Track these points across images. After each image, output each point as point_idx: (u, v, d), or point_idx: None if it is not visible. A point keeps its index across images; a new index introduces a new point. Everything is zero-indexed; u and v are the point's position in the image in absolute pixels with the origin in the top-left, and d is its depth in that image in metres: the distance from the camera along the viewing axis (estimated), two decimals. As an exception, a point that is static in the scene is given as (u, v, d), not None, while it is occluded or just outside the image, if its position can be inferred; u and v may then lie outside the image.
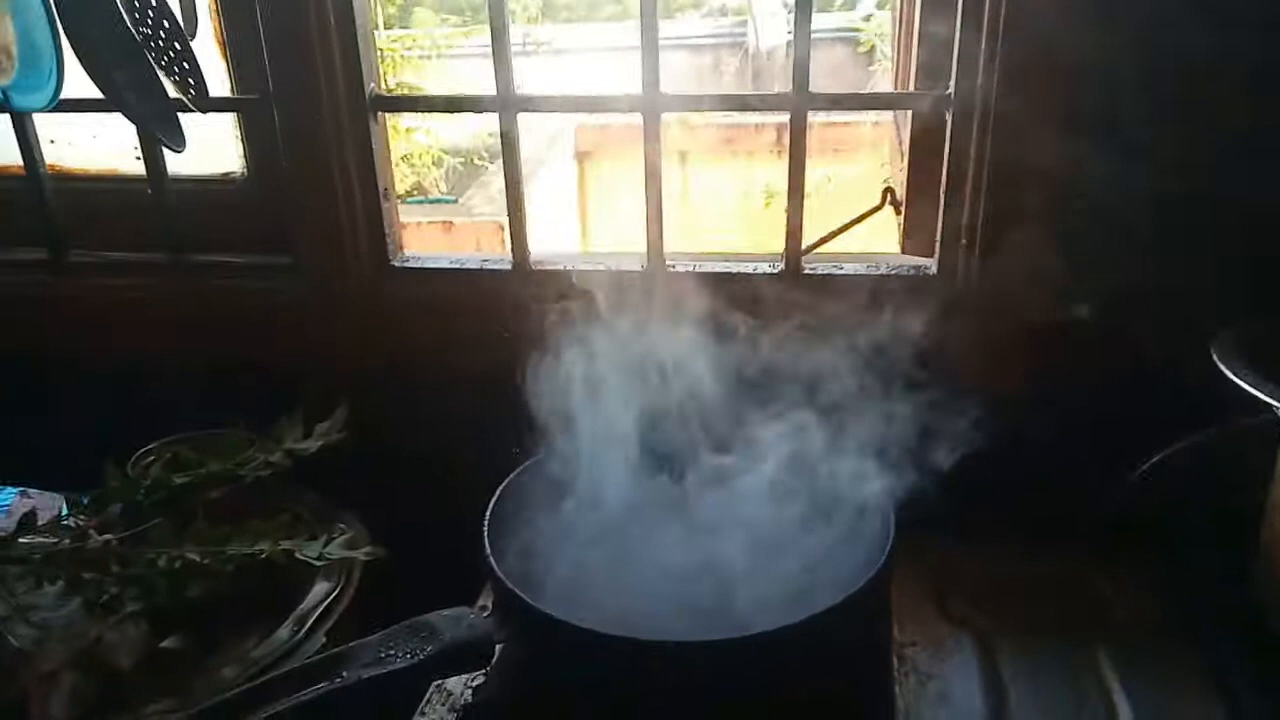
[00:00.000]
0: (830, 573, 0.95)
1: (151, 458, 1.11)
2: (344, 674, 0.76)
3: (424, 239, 3.21)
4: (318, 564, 0.97)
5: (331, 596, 1.05)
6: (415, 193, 4.17)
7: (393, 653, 0.78)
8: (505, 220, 1.26)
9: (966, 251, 1.12)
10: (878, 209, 1.31)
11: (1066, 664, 0.97)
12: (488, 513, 0.94)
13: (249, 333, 1.29)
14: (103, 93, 1.01)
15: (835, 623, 0.81)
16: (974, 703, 0.92)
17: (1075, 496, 1.13)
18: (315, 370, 1.29)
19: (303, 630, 1.02)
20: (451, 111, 1.23)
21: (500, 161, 1.24)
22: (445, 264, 1.27)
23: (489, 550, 0.89)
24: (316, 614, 1.03)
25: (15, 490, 1.19)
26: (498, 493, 0.97)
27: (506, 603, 0.84)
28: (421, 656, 0.78)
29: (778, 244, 1.21)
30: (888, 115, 1.54)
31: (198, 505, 1.07)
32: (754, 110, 1.19)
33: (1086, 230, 1.07)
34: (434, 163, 4.68)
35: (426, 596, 1.02)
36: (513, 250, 1.23)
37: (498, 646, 0.83)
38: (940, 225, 1.14)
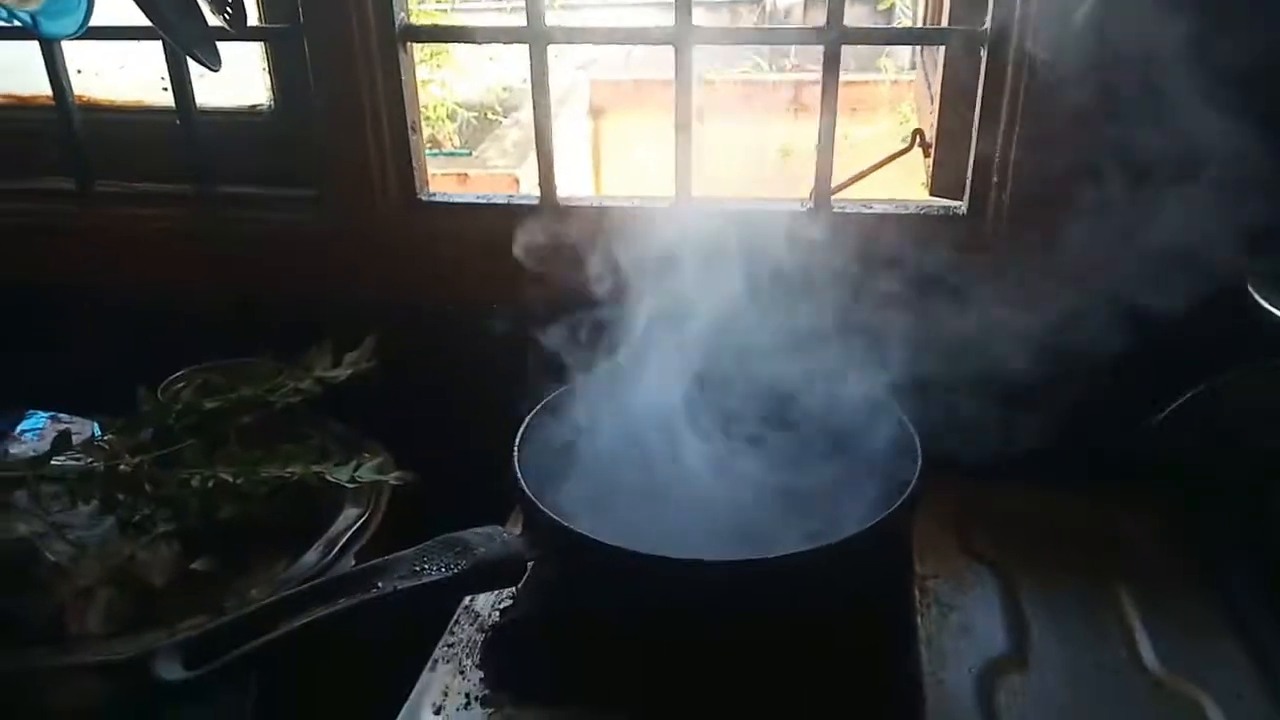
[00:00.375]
0: (857, 506, 0.96)
1: (182, 384, 1.12)
2: (379, 585, 0.77)
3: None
4: (349, 486, 0.99)
5: (361, 520, 1.06)
6: (430, 146, 4.14)
7: (427, 566, 0.80)
8: (518, 174, 1.27)
9: (997, 190, 1.11)
10: (906, 150, 1.31)
11: (1088, 601, 0.98)
12: (518, 437, 0.95)
13: (275, 265, 1.29)
14: (146, 13, 1.01)
15: (858, 549, 0.82)
16: (995, 635, 0.93)
17: (1100, 437, 1.13)
18: (340, 304, 1.30)
19: (332, 553, 1.03)
20: (483, 42, 1.22)
21: (514, 115, 1.23)
22: (472, 199, 1.27)
23: (519, 473, 0.90)
24: (346, 537, 1.04)
25: (47, 415, 1.21)
26: (527, 419, 0.98)
27: (536, 522, 0.86)
28: (456, 571, 0.79)
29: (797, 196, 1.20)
30: (908, 75, 1.53)
31: (229, 430, 1.09)
32: (787, 44, 1.18)
33: (1119, 167, 1.07)
34: (448, 116, 4.66)
35: (453, 524, 1.03)
36: (541, 185, 1.22)
37: (528, 564, 0.84)
38: (971, 165, 1.14)
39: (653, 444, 1.08)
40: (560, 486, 1.01)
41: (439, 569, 0.79)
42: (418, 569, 0.79)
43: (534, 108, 1.21)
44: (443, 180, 3.34)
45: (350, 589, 0.78)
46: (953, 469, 1.12)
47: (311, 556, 1.04)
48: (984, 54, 1.08)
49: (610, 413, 1.08)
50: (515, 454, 0.92)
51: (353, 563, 1.03)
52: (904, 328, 1.13)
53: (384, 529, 1.08)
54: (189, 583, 1.03)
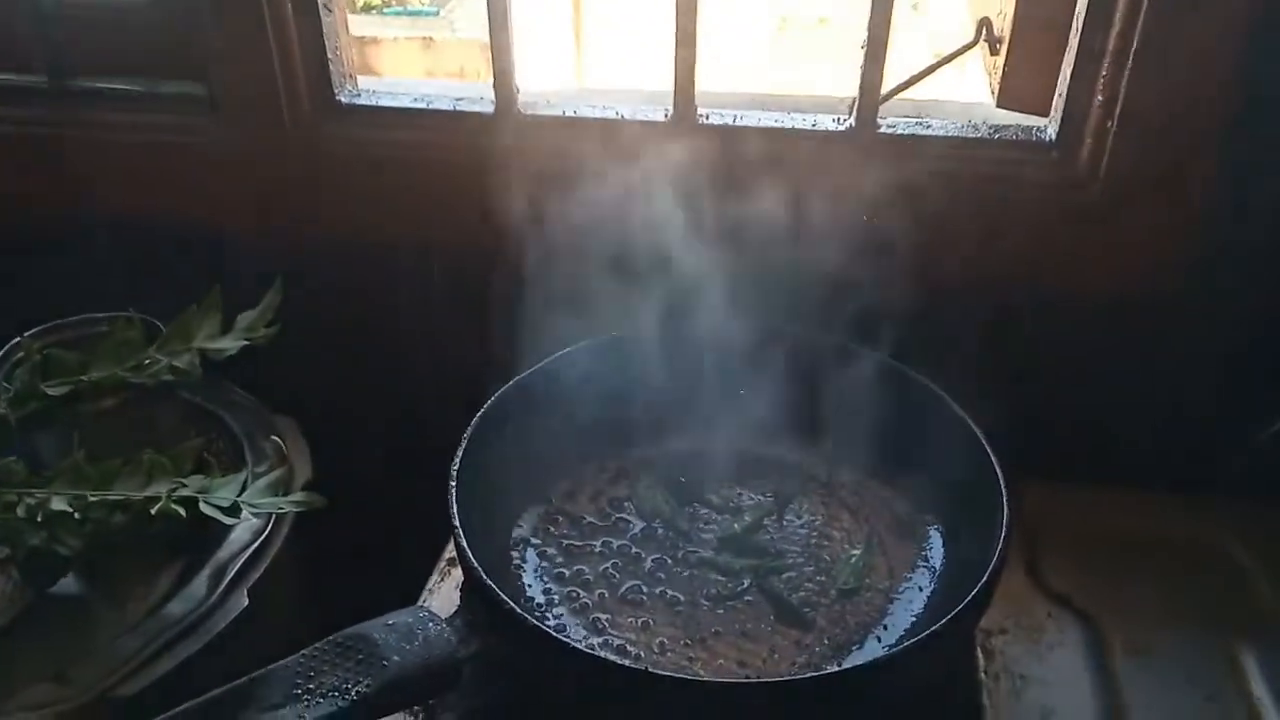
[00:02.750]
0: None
1: (20, 355, 0.85)
2: None
3: (400, 57, 2.85)
4: (227, 520, 0.74)
5: (255, 544, 0.81)
6: (393, 2, 3.72)
7: (314, 687, 0.55)
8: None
9: (1103, 110, 0.83)
10: (969, 46, 1.01)
11: (1199, 660, 0.75)
12: (455, 464, 0.70)
13: (155, 185, 1.01)
14: None
15: (900, 666, 0.60)
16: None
17: (1210, 441, 0.89)
18: (239, 239, 1.02)
19: (221, 585, 0.80)
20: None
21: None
22: (408, 102, 0.97)
23: (457, 521, 0.65)
24: (239, 565, 0.80)
25: None
26: (468, 433, 0.73)
27: (482, 605, 0.61)
28: (354, 695, 0.55)
29: (790, 77, 0.92)
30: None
31: (87, 419, 0.83)
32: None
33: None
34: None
35: (385, 538, 0.79)
36: (496, 90, 0.93)
37: (464, 667, 0.60)
38: (1069, 70, 0.85)
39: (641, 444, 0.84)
40: (526, 538, 0.77)
41: (332, 693, 0.55)
42: (300, 690, 0.55)
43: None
44: (405, 45, 2.98)
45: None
46: (1025, 471, 0.89)
47: (198, 588, 0.80)
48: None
49: (583, 401, 0.83)
50: (452, 492, 0.67)
51: (245, 602, 0.79)
52: (960, 296, 0.88)
53: (288, 552, 0.84)
54: (40, 620, 0.80)
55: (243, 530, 0.82)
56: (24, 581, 0.79)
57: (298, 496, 0.78)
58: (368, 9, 3.36)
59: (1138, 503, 0.88)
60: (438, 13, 3.33)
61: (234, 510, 0.74)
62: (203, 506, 0.73)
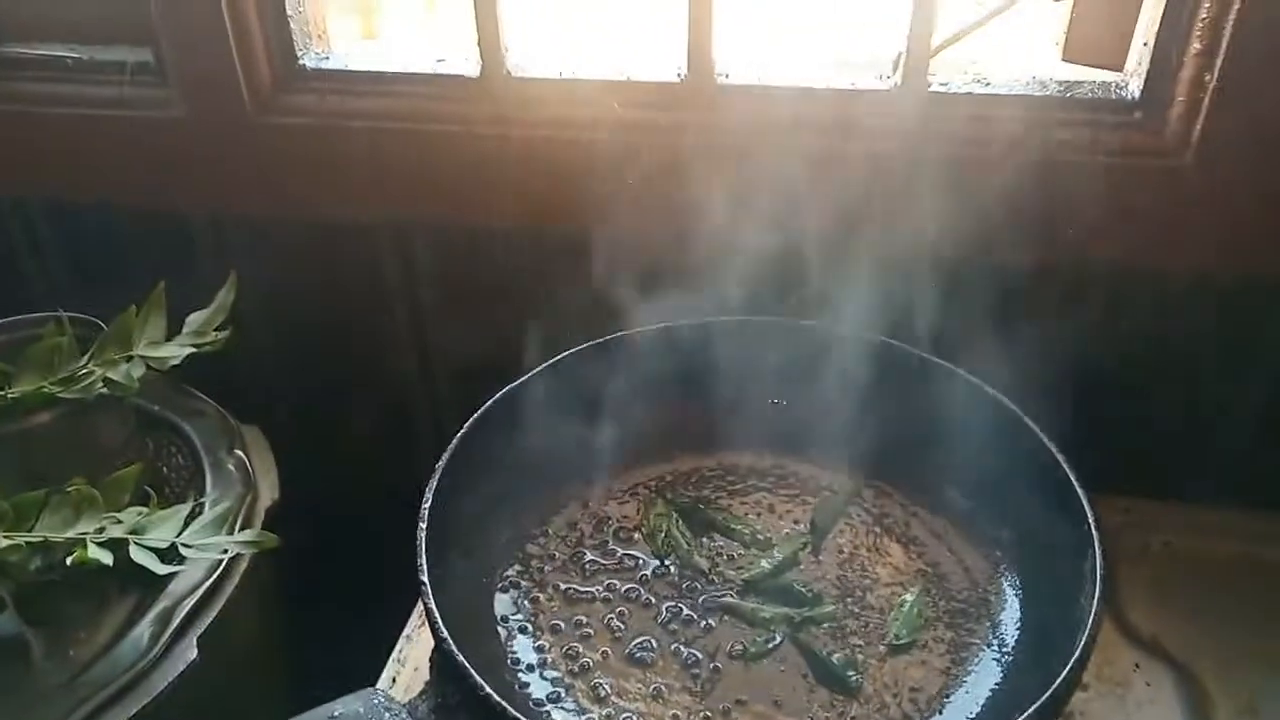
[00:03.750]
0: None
1: (-66, 366, 0.74)
2: None
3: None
4: (161, 572, 0.62)
5: (207, 584, 0.70)
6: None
7: None
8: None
9: (1200, 62, 0.69)
10: (1030, -10, 0.88)
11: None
12: (427, 498, 0.58)
13: (98, 165, 0.89)
14: None
15: None
16: (1188, 799, 0.60)
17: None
18: (194, 223, 0.91)
19: (166, 633, 0.68)
20: None
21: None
22: (382, 65, 0.85)
23: (425, 576, 0.53)
24: (186, 610, 0.69)
25: None
26: (443, 460, 0.61)
27: (454, 687, 0.50)
28: None
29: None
30: None
31: (17, 437, 0.72)
32: None
33: None
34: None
35: (358, 559, 0.68)
36: (481, 49, 0.80)
37: None
38: (1159, 13, 0.72)
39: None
40: (515, 582, 0.65)
41: None
42: None
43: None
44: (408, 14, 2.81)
45: None
46: (1105, 488, 0.77)
47: (140, 634, 0.69)
48: None
49: (593, 422, 0.71)
50: (421, 536, 0.55)
51: (193, 653, 0.68)
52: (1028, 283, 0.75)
53: (245, 592, 0.72)
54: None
55: (194, 568, 0.71)
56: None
57: (247, 536, 0.67)
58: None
59: (1234, 524, 0.76)
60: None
61: (170, 554, 0.63)
62: (134, 552, 0.62)
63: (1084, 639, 0.50)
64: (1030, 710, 0.47)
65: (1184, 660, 0.67)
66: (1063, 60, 0.85)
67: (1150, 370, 0.81)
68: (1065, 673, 0.48)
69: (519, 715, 0.48)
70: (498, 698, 0.48)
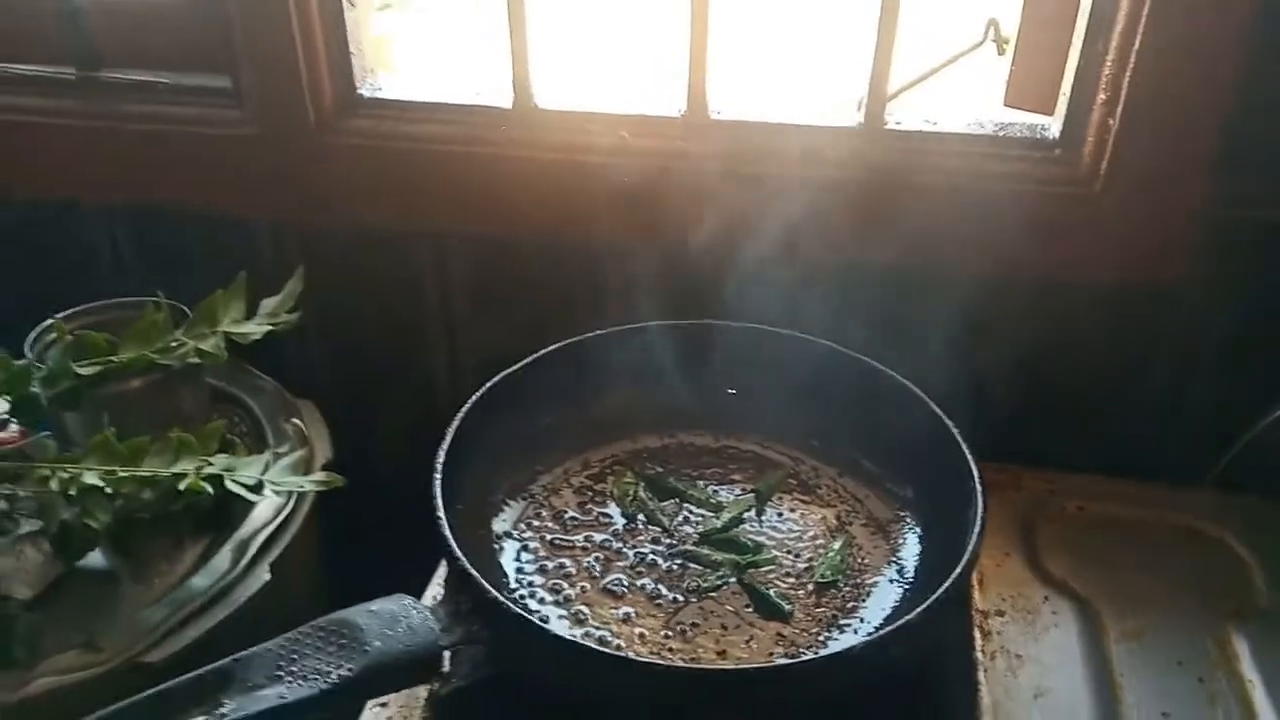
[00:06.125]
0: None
1: (53, 335, 0.88)
2: (223, 707, 0.55)
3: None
4: (252, 498, 0.76)
5: (277, 521, 0.84)
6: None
7: (296, 669, 0.57)
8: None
9: (1105, 109, 0.85)
10: (977, 46, 1.03)
11: (1192, 644, 0.77)
12: (441, 454, 0.72)
13: (181, 176, 1.03)
14: None
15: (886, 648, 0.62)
16: (1078, 701, 0.73)
17: (1208, 431, 0.91)
18: (263, 227, 1.05)
19: (244, 560, 0.82)
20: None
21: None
22: (428, 95, 1.00)
23: (441, 512, 0.67)
24: (261, 541, 0.83)
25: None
26: (454, 426, 0.75)
27: (466, 594, 0.63)
28: (336, 679, 0.57)
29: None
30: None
31: (115, 398, 0.86)
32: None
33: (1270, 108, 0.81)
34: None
35: (397, 509, 0.81)
36: (514, 85, 0.96)
37: (446, 654, 0.62)
38: (1072, 70, 0.87)
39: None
40: (508, 531, 0.79)
41: (313, 675, 0.57)
42: (282, 672, 0.57)
43: (505, -20, 0.93)
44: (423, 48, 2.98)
45: (175, 712, 0.55)
46: (1026, 458, 0.91)
47: (221, 561, 0.83)
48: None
49: (576, 404, 0.85)
50: (436, 483, 0.69)
51: (268, 576, 0.82)
52: (964, 292, 0.90)
53: (309, 527, 0.87)
54: (70, 591, 0.82)
55: (265, 508, 0.85)
56: (55, 554, 0.82)
57: (318, 476, 0.81)
58: (387, 7, 3.38)
59: (1136, 492, 0.90)
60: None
61: (258, 488, 0.77)
62: (229, 484, 0.76)
63: (964, 562, 0.64)
64: (915, 612, 0.61)
65: (1086, 596, 0.81)
66: (1004, 105, 1.01)
67: (1068, 366, 0.96)
68: (946, 584, 0.62)
69: (515, 608, 0.61)
70: (500, 596, 0.61)
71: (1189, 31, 0.79)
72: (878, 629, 0.70)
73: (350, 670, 0.57)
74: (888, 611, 0.72)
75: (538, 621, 0.65)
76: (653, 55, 1.03)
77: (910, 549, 0.77)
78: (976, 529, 0.67)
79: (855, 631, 0.71)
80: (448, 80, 1.01)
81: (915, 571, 0.75)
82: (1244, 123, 0.81)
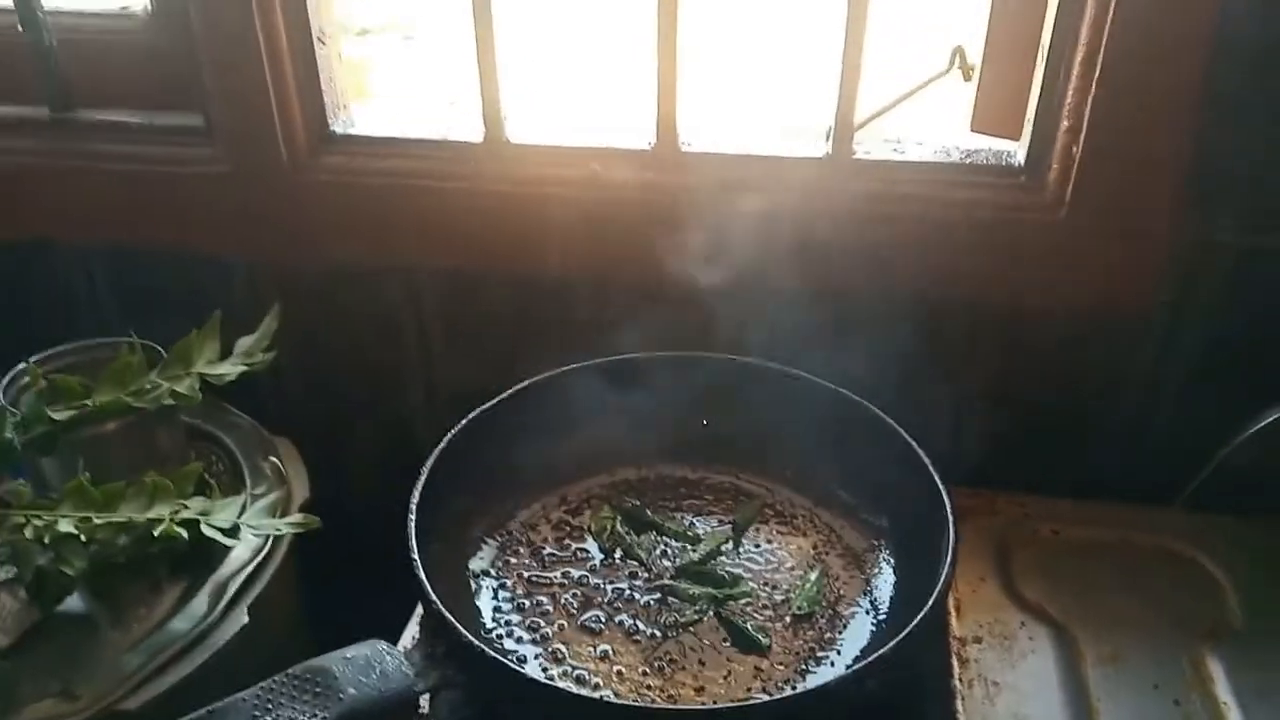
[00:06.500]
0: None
1: (26, 379, 0.88)
2: None
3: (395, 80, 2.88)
4: (227, 542, 0.76)
5: (256, 562, 0.84)
6: (390, 29, 3.74)
7: (272, 719, 0.57)
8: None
9: (1069, 137, 0.86)
10: (942, 74, 1.05)
11: (1167, 667, 0.78)
12: (415, 495, 0.72)
13: (155, 214, 1.03)
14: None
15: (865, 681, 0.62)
16: (1056, 723, 0.74)
17: (1177, 454, 0.92)
18: (237, 264, 1.05)
19: (222, 601, 0.82)
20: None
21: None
22: (400, 131, 1.01)
23: (416, 555, 0.67)
24: (238, 584, 0.83)
25: None
26: (428, 466, 0.75)
27: (440, 638, 0.64)
28: None
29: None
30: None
31: (90, 441, 0.86)
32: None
33: (1233, 129, 0.83)
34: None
35: (374, 546, 0.81)
36: (484, 120, 0.96)
37: (424, 698, 0.62)
38: (1036, 98, 0.88)
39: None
40: (485, 570, 0.79)
41: None
42: None
43: (474, 17, 0.93)
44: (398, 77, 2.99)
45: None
46: (1001, 483, 0.92)
47: (199, 605, 0.83)
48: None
49: (551, 439, 0.85)
50: (411, 525, 0.69)
51: (246, 618, 0.82)
52: (935, 319, 0.91)
53: (287, 568, 0.86)
54: (47, 637, 0.82)
55: (243, 548, 0.84)
56: (31, 600, 0.81)
57: (295, 518, 0.81)
58: (364, 34, 3.38)
59: (1109, 514, 0.91)
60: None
61: (234, 532, 0.77)
62: (204, 529, 0.76)
63: (936, 593, 0.65)
64: (889, 645, 0.61)
65: (1062, 621, 0.82)
66: (971, 131, 1.03)
67: (1040, 391, 0.97)
68: (919, 616, 0.63)
69: (491, 652, 0.61)
70: (474, 639, 0.61)
71: (1150, 60, 0.80)
72: (855, 661, 0.71)
73: (326, 718, 0.57)
74: (864, 642, 0.73)
75: (513, 664, 0.66)
76: (623, 87, 1.04)
77: (885, 579, 0.78)
78: (949, 559, 0.67)
79: (832, 664, 0.71)
80: (424, 108, 1.02)
81: (891, 601, 0.76)
82: (1207, 152, 0.83)
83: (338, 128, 1.01)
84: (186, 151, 1.02)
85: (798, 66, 1.11)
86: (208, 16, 0.94)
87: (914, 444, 0.77)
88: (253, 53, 0.95)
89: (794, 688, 0.69)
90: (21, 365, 0.89)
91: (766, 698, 0.67)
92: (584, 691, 0.67)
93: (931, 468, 0.74)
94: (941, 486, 0.72)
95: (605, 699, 0.66)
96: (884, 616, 0.75)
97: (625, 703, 0.65)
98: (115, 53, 1.04)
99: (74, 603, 0.84)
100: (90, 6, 1.05)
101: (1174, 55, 0.80)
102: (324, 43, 0.98)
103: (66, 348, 0.94)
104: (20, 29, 1.00)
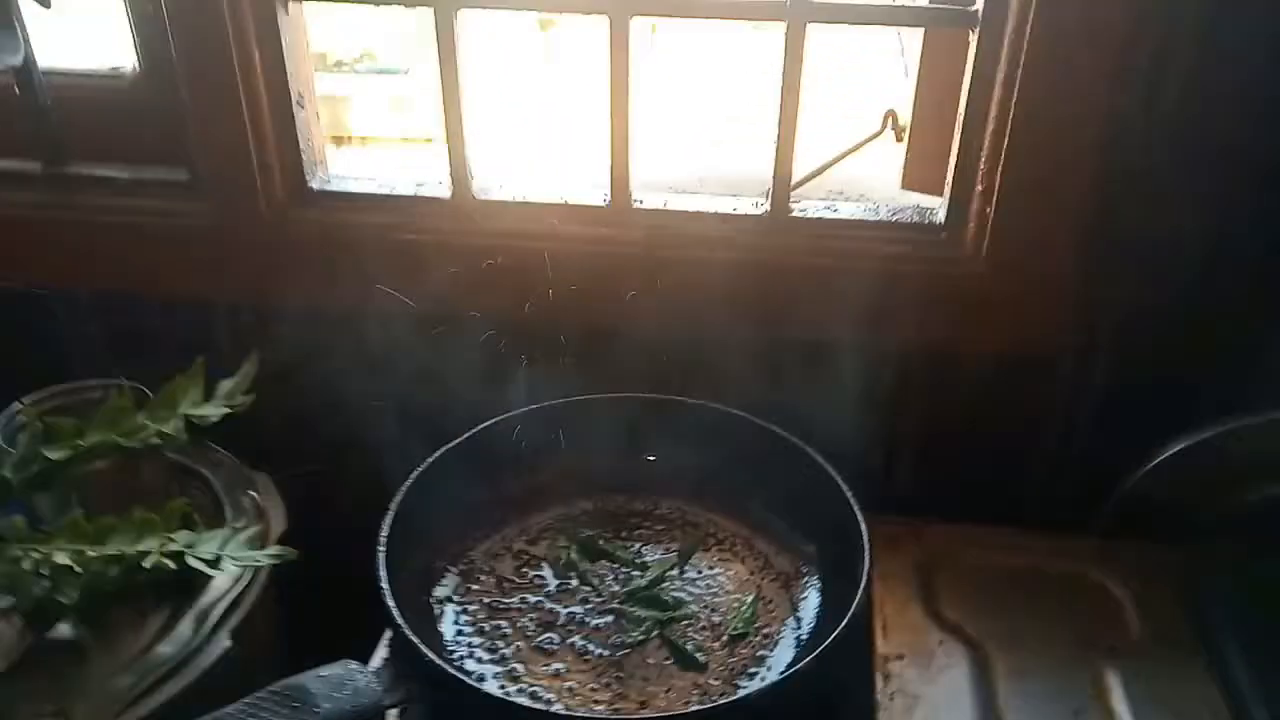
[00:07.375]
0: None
1: (22, 420, 0.94)
2: None
3: (371, 117, 2.96)
4: (211, 572, 0.83)
5: (237, 590, 0.90)
6: (365, 59, 3.84)
7: None
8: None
9: (983, 199, 0.95)
10: (876, 136, 1.14)
11: (1070, 680, 0.86)
12: (384, 528, 0.79)
13: (142, 263, 1.10)
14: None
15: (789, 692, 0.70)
16: (967, 735, 0.82)
17: (1084, 485, 1.01)
18: (222, 312, 1.12)
19: (205, 627, 0.88)
20: (381, 3, 1.02)
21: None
22: (373, 188, 1.08)
23: (385, 583, 0.75)
24: (220, 611, 0.89)
25: None
26: (396, 501, 0.82)
27: (405, 657, 0.71)
28: None
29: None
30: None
31: (81, 478, 0.92)
32: (743, 19, 0.99)
33: (1121, 201, 0.92)
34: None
35: (351, 568, 0.88)
36: (452, 175, 1.04)
37: (393, 713, 0.69)
38: (953, 165, 0.97)
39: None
40: (449, 596, 0.86)
41: None
42: None
43: (441, 81, 1.01)
44: (376, 107, 3.08)
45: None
46: (921, 513, 1.00)
47: (184, 631, 0.89)
48: (973, 39, 0.91)
49: (512, 474, 0.93)
50: (380, 556, 0.77)
51: (228, 642, 0.88)
52: (865, 362, 0.99)
53: (266, 597, 0.93)
54: (40, 661, 0.88)
55: (224, 577, 0.91)
56: (26, 627, 0.87)
57: (273, 550, 0.88)
58: (339, 66, 3.46)
59: (1026, 541, 0.99)
60: (407, 71, 3.46)
61: (216, 563, 0.83)
62: (189, 560, 0.82)
63: (850, 613, 0.73)
64: (804, 661, 0.69)
65: (977, 639, 0.90)
66: (901, 189, 1.12)
67: (964, 427, 1.05)
68: (834, 634, 0.71)
69: (454, 672, 0.69)
70: (436, 658, 0.68)
71: (1050, 137, 0.89)
72: (781, 676, 0.78)
73: (301, 729, 0.63)
74: (790, 659, 0.80)
75: (472, 682, 0.73)
76: (581, 148, 1.12)
77: (812, 601, 0.86)
78: (863, 582, 0.75)
79: (763, 679, 0.79)
80: (402, 150, 1.09)
81: (816, 620, 0.84)
82: (1107, 214, 0.92)
83: (314, 184, 1.08)
84: (172, 204, 1.09)
85: (747, 127, 1.20)
86: (194, 78, 1.01)
87: (835, 475, 0.85)
88: (235, 113, 1.02)
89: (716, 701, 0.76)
90: (15, 406, 0.95)
91: (699, 708, 0.74)
92: (538, 705, 0.74)
93: (851, 498, 0.82)
94: (859, 514, 0.80)
95: (554, 711, 0.73)
96: (809, 635, 0.82)
97: (570, 714, 0.72)
98: (106, 110, 1.11)
99: (64, 629, 0.90)
100: (82, 66, 1.12)
101: (1072, 132, 0.89)
102: (302, 106, 1.06)
103: (57, 389, 1.00)
104: (17, 90, 1.07)
